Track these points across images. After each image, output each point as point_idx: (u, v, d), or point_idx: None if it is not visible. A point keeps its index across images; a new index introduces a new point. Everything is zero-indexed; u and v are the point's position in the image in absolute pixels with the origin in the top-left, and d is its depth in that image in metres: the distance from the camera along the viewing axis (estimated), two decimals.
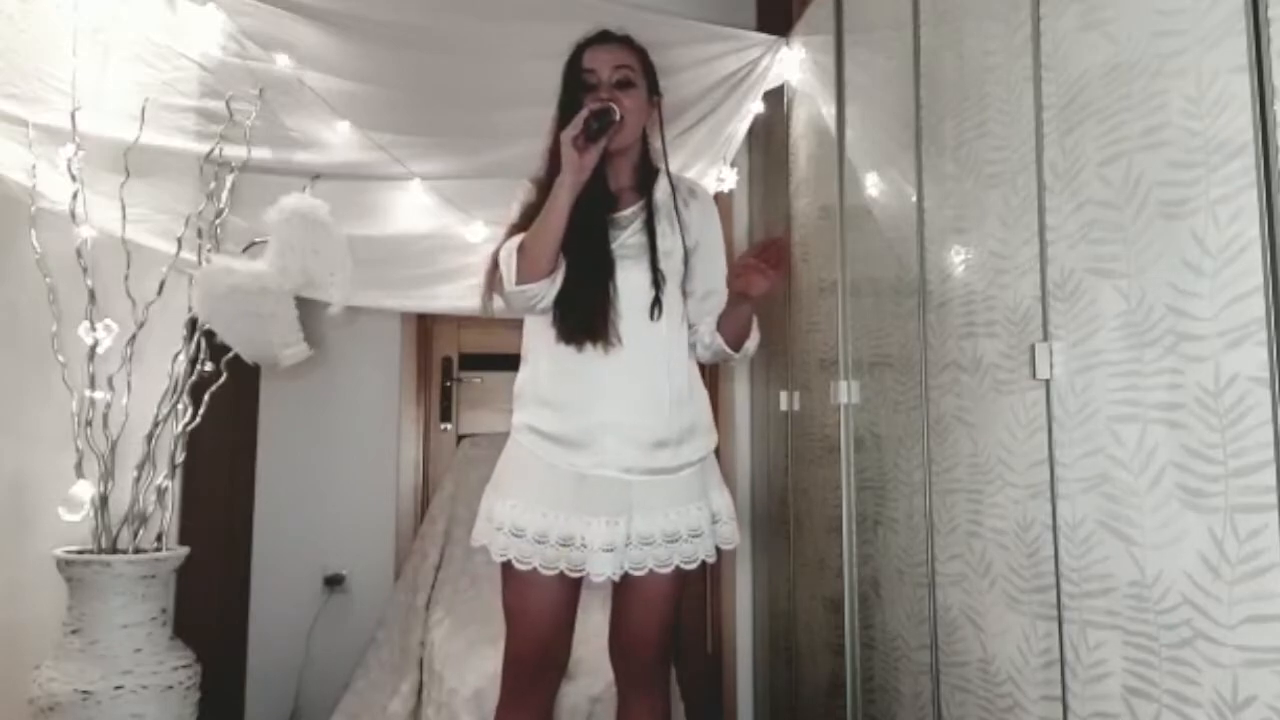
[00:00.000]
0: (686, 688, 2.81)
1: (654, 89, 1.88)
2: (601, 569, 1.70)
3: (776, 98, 2.82)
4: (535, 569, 1.70)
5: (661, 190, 1.86)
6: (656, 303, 1.77)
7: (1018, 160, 1.57)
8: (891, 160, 2.07)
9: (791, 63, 2.73)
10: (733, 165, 2.86)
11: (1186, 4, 1.20)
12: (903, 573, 1.97)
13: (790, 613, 2.69)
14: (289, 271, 2.27)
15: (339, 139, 2.56)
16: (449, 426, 3.40)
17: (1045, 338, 1.47)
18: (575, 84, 1.81)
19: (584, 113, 1.67)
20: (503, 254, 1.72)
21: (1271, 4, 1.07)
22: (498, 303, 1.81)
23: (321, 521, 3.17)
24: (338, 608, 3.15)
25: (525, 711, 1.79)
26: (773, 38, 2.75)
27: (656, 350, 1.78)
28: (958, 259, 1.78)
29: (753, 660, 3.09)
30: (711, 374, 3.26)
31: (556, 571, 1.70)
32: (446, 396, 3.42)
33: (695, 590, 3.27)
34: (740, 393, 3.17)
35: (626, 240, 1.79)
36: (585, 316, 1.73)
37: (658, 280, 1.77)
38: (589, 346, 1.73)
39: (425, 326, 3.38)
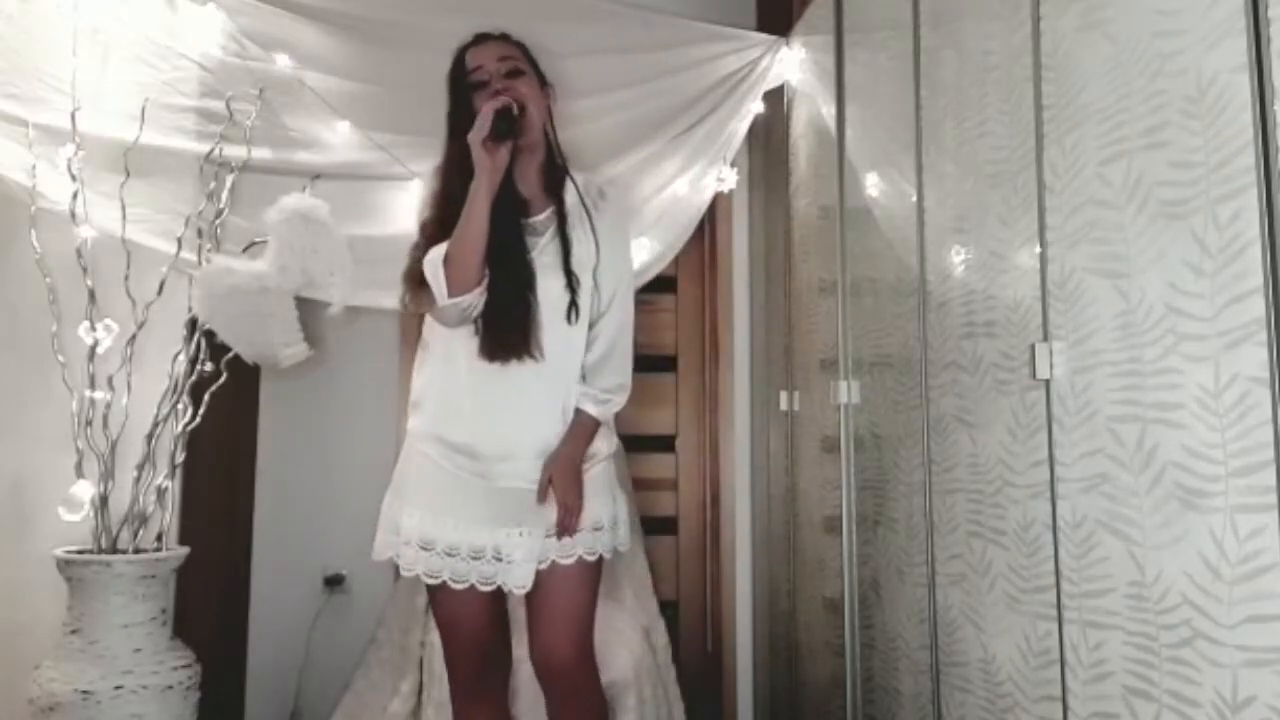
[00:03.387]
0: (686, 688, 2.81)
1: (543, 79, 1.85)
2: (522, 580, 1.70)
3: (776, 98, 2.83)
4: (445, 583, 1.70)
5: (570, 193, 1.83)
6: (573, 305, 1.74)
7: (1018, 160, 1.57)
8: (891, 160, 2.07)
9: (791, 63, 2.73)
10: (733, 165, 2.86)
11: (1186, 4, 1.20)
12: (903, 573, 1.97)
13: (790, 613, 2.69)
14: (289, 271, 2.27)
15: (339, 139, 2.56)
16: None
17: (1045, 338, 1.47)
18: (463, 86, 1.79)
19: (488, 112, 1.65)
20: (428, 269, 1.68)
21: (1272, 4, 1.07)
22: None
23: (321, 521, 3.16)
24: (338, 608, 3.15)
25: (483, 709, 1.82)
26: (773, 38, 2.75)
27: (571, 358, 1.77)
28: (958, 259, 1.78)
29: (753, 660, 3.09)
30: (710, 374, 3.27)
31: (467, 585, 1.70)
32: None
33: (695, 589, 3.28)
34: (740, 393, 3.17)
35: (544, 248, 1.77)
36: (509, 333, 1.71)
37: (572, 284, 1.75)
38: (514, 360, 1.71)
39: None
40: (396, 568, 1.75)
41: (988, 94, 1.67)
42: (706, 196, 2.87)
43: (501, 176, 1.67)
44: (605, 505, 1.81)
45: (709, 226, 3.22)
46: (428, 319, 1.82)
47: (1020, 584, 1.55)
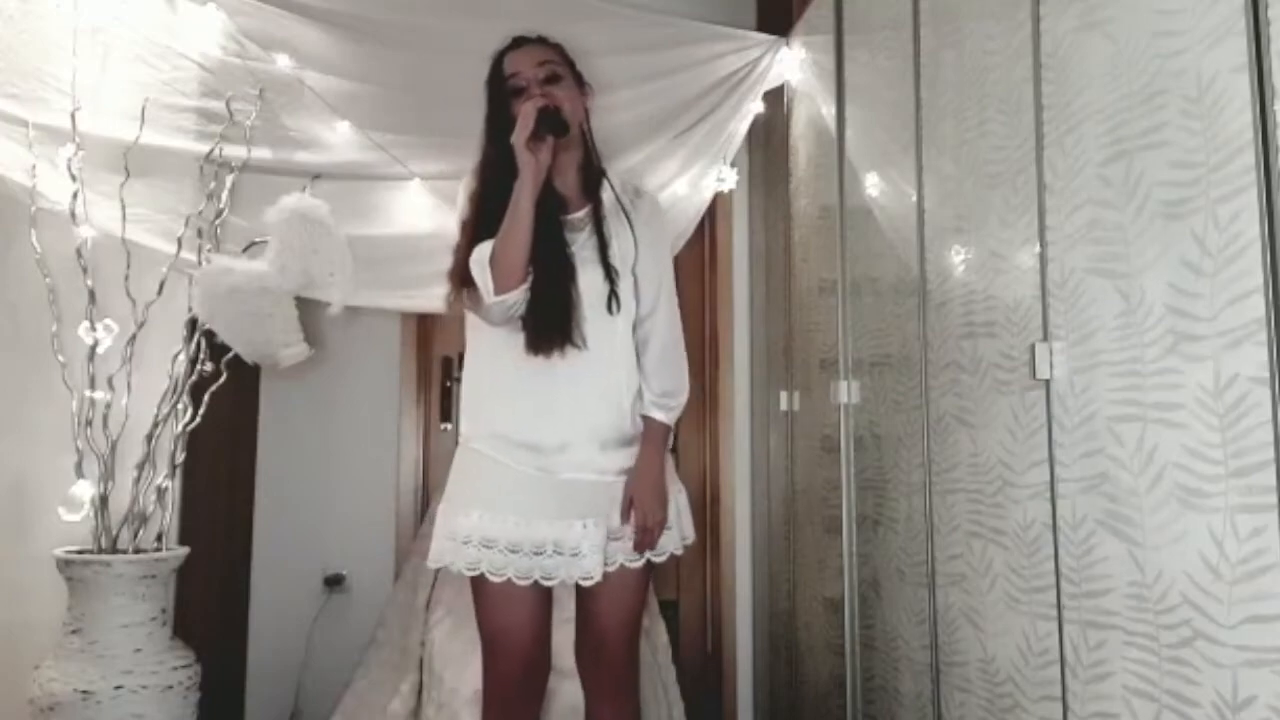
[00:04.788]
0: (686, 688, 2.81)
1: (581, 81, 1.87)
2: (590, 571, 1.70)
3: (776, 98, 2.83)
4: (510, 580, 1.69)
5: (608, 191, 1.86)
6: (613, 295, 1.77)
7: (1018, 160, 1.57)
8: (891, 160, 2.07)
9: (791, 63, 2.73)
10: (733, 165, 2.86)
11: (1186, 4, 1.20)
12: (903, 573, 1.97)
13: (790, 613, 2.69)
14: (289, 271, 2.27)
15: (339, 139, 2.56)
16: (449, 426, 3.40)
17: (1045, 338, 1.47)
18: (502, 92, 1.80)
19: (530, 111, 1.66)
20: (474, 268, 1.70)
21: (1271, 4, 1.07)
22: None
23: (321, 521, 3.17)
24: (338, 608, 3.15)
25: None
26: (773, 38, 2.75)
27: (615, 348, 1.78)
28: (958, 259, 1.78)
29: (753, 660, 3.09)
30: (710, 374, 3.27)
31: (530, 581, 1.69)
32: (446, 396, 3.42)
33: (695, 590, 3.28)
34: (740, 393, 3.17)
35: (583, 243, 1.79)
36: (551, 325, 1.72)
37: (611, 275, 1.77)
38: (556, 353, 1.72)
39: (425, 326, 3.38)
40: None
41: (988, 94, 1.67)
42: (706, 196, 2.87)
43: (544, 176, 1.69)
44: (668, 502, 1.82)
45: (709, 226, 3.22)
46: (469, 322, 1.82)
47: (1020, 584, 1.55)
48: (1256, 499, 1.07)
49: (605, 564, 1.74)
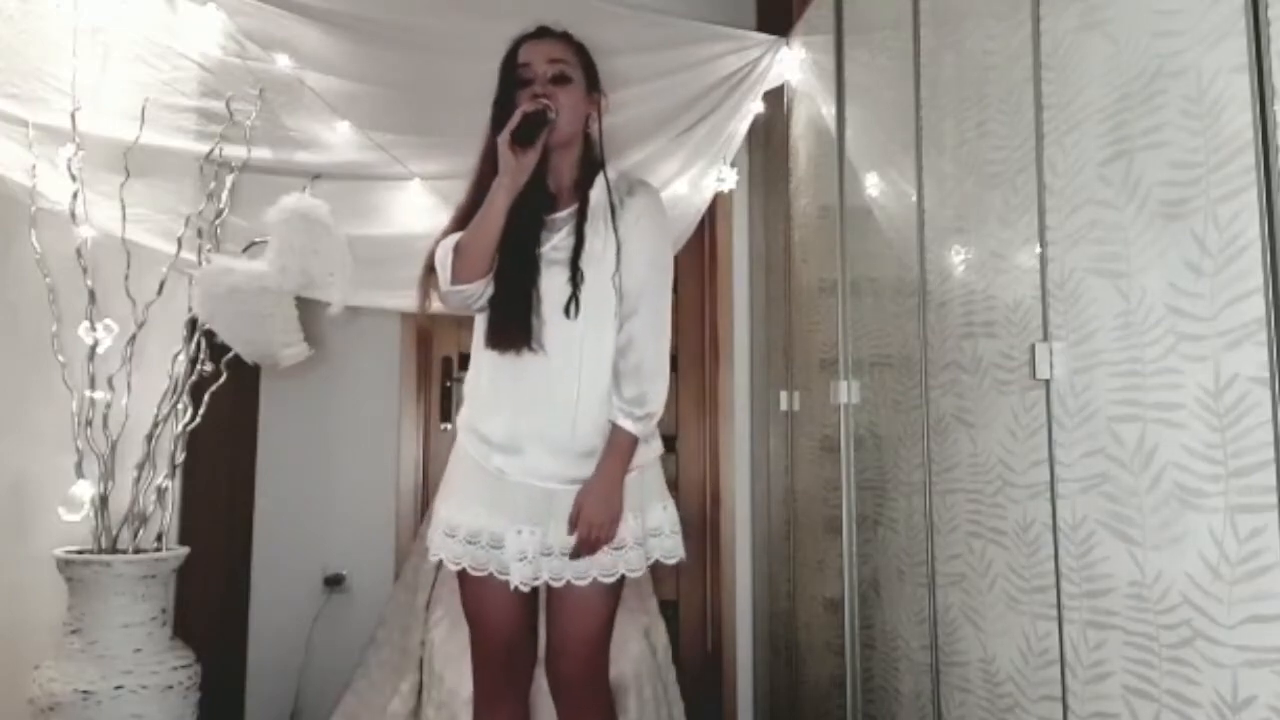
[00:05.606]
0: (686, 688, 2.81)
1: (593, 84, 1.83)
2: (520, 578, 1.68)
3: (776, 98, 2.83)
4: (465, 570, 1.70)
5: (597, 189, 1.79)
6: (573, 300, 1.70)
7: (1018, 160, 1.57)
8: (891, 160, 2.07)
9: (791, 63, 2.73)
10: (733, 165, 2.86)
11: (1186, 4, 1.20)
12: (903, 573, 1.97)
13: (790, 613, 2.69)
14: (289, 271, 2.27)
15: (339, 139, 2.56)
16: (449, 426, 3.40)
17: (1045, 338, 1.47)
18: (510, 80, 1.77)
19: (518, 115, 1.66)
20: (439, 253, 1.72)
21: (1272, 4, 1.07)
22: (436, 303, 1.81)
23: (321, 521, 3.17)
24: (338, 608, 3.15)
25: (502, 710, 1.80)
26: (773, 38, 2.75)
27: (579, 354, 1.72)
28: (958, 259, 1.78)
29: (753, 660, 3.09)
30: (710, 374, 3.27)
31: (486, 573, 1.70)
32: (446, 396, 3.42)
33: (695, 590, 3.28)
34: (740, 393, 3.17)
35: (558, 244, 1.75)
36: (507, 322, 1.71)
37: (575, 279, 1.71)
38: (512, 352, 1.71)
39: (425, 326, 3.38)
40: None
41: (988, 94, 1.68)
42: (706, 196, 2.87)
43: (525, 178, 1.67)
44: (626, 522, 1.73)
45: (709, 226, 3.22)
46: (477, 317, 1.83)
47: (1020, 584, 1.55)
48: (1256, 499, 1.07)
49: (553, 579, 1.71)
